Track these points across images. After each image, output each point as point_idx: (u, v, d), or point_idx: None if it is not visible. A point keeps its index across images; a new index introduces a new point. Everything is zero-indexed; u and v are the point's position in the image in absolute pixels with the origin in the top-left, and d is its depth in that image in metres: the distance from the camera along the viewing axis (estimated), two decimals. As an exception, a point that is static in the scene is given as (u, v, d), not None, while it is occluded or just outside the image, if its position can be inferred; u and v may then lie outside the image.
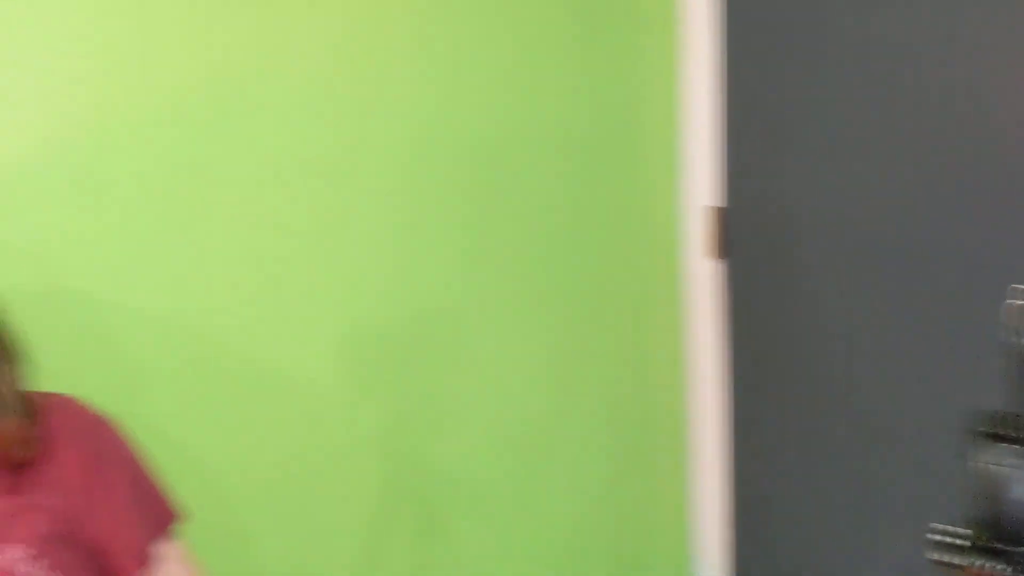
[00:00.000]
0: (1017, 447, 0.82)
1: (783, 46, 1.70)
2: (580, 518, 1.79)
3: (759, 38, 1.73)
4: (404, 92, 1.51)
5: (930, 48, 1.49)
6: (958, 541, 0.83)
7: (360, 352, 1.51)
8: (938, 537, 0.84)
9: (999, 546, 0.82)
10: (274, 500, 1.45)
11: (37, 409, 1.07)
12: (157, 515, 1.16)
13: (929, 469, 1.54)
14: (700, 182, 1.83)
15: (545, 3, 1.65)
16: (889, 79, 1.54)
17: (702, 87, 1.80)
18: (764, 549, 1.86)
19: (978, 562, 0.82)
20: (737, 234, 1.81)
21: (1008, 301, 0.83)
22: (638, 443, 1.86)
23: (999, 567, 0.81)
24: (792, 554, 1.81)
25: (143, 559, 1.12)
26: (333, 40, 1.44)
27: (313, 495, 1.49)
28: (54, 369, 1.14)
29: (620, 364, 1.82)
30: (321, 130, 1.44)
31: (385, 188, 1.51)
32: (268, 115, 1.39)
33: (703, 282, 1.85)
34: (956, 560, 0.83)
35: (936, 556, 0.84)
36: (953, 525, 0.84)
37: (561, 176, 1.71)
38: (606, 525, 1.84)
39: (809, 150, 1.68)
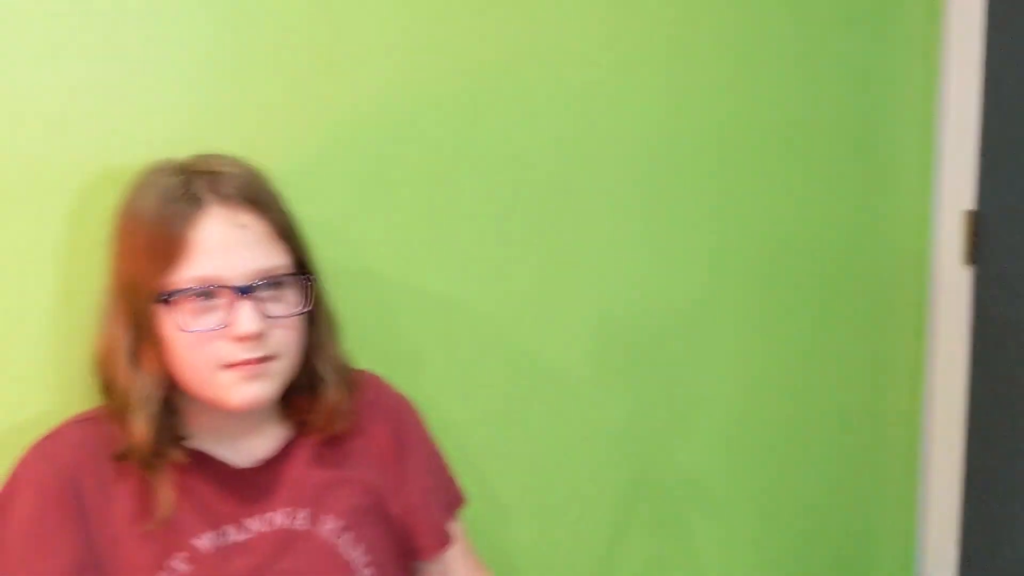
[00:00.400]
0: None
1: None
2: (809, 521, 1.75)
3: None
4: (657, 93, 1.50)
5: None
6: None
7: (608, 347, 1.52)
8: None
9: None
10: (527, 487, 1.47)
11: (354, 384, 1.09)
12: (450, 497, 1.17)
13: None
14: (954, 184, 1.74)
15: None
16: None
17: (963, 83, 1.71)
18: (994, 565, 1.77)
19: None
20: (990, 239, 1.72)
21: None
22: (870, 450, 1.81)
23: None
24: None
25: (444, 540, 1.13)
26: (581, 41, 1.44)
27: (561, 484, 1.50)
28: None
29: (857, 367, 1.77)
30: (579, 131, 1.45)
31: (636, 187, 1.51)
32: (539, 113, 1.41)
33: (950, 287, 1.77)
34: None
35: None
36: None
37: (808, 177, 1.67)
38: (834, 529, 1.79)
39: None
